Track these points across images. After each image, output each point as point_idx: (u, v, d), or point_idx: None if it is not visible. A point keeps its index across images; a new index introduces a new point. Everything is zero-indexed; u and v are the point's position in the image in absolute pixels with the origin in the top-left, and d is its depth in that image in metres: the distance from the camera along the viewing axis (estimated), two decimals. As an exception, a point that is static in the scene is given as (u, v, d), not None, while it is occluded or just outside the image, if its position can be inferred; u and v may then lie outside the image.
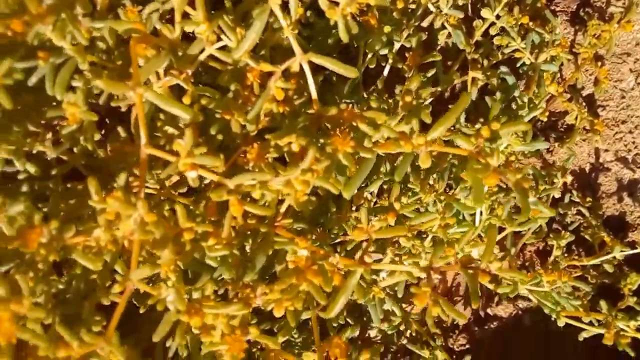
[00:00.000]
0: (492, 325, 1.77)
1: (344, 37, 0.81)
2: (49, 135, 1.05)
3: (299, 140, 0.86)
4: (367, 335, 1.76)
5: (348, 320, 1.48)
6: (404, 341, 1.61)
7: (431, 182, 1.10)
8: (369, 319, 1.68)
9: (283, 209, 0.94)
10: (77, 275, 0.92)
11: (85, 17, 0.90)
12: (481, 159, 0.75)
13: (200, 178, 0.83)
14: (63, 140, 1.03)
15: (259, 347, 1.01)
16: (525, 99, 1.21)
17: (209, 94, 0.88)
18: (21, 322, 0.75)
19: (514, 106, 1.27)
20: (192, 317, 0.79)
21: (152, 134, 0.89)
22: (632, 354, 1.46)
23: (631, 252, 1.45)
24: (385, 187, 1.24)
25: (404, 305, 1.57)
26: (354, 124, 0.87)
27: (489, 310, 1.77)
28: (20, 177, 1.00)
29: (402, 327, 1.59)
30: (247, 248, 0.91)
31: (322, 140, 0.85)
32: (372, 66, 1.21)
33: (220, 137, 0.93)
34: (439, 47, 1.33)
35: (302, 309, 0.87)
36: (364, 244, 0.88)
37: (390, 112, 0.85)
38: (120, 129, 1.06)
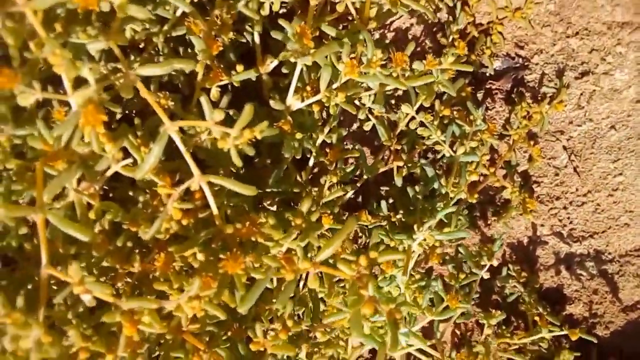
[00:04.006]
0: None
1: (237, 162, 0.85)
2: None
3: (199, 255, 0.90)
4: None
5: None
6: None
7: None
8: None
9: (190, 314, 0.97)
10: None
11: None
12: (360, 289, 0.79)
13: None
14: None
15: None
16: (443, 191, 1.26)
17: (113, 210, 0.92)
18: None
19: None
20: None
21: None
22: None
23: (559, 333, 1.48)
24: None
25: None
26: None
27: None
28: None
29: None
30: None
31: (221, 256, 0.89)
32: (298, 157, 1.26)
33: (129, 244, 0.97)
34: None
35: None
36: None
37: (292, 224, 0.89)
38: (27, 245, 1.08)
